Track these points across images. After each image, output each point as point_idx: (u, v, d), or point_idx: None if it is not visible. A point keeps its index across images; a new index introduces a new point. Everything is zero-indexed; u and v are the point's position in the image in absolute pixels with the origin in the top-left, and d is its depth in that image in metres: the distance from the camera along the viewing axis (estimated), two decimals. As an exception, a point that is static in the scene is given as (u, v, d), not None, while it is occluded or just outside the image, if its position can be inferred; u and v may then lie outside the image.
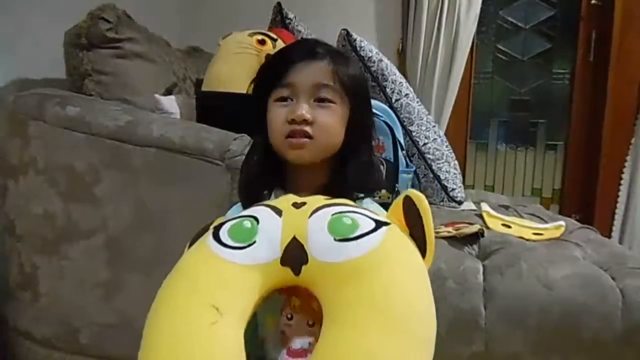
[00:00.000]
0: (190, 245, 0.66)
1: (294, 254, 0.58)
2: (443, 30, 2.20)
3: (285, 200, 0.63)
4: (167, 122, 1.18)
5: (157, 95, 1.40)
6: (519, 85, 2.50)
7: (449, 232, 1.25)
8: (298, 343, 0.62)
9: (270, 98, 0.75)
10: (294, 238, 0.58)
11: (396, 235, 0.59)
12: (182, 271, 0.61)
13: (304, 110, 0.72)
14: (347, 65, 0.76)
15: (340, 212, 0.59)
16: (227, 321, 0.56)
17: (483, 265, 1.14)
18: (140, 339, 0.58)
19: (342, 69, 0.75)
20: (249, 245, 0.59)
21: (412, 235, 0.61)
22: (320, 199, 0.62)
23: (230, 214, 0.77)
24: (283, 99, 0.74)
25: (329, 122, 0.73)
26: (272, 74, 0.76)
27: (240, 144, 1.10)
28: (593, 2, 2.33)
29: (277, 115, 0.74)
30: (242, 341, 0.57)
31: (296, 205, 0.61)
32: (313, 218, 0.59)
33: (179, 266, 0.62)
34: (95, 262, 1.16)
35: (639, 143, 2.28)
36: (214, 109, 1.36)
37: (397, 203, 0.61)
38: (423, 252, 0.60)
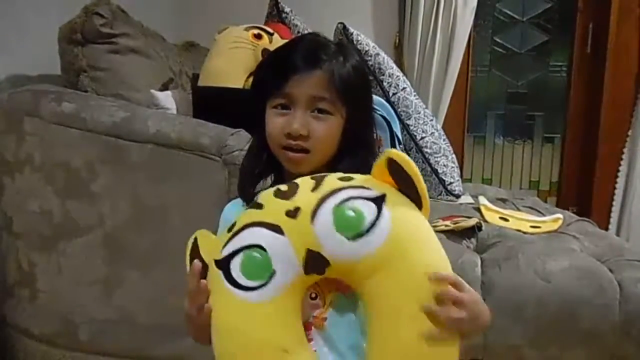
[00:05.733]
0: (191, 255, 0.64)
1: (315, 263, 0.59)
2: (440, 23, 2.20)
3: (276, 211, 0.61)
4: (164, 118, 1.18)
5: (153, 91, 1.39)
6: (516, 78, 2.50)
7: (446, 225, 1.25)
8: (303, 317, 0.63)
9: (268, 101, 0.74)
10: (309, 250, 0.59)
11: (398, 208, 0.61)
12: (232, 334, 0.61)
13: (300, 124, 0.72)
14: (344, 64, 0.74)
15: (339, 204, 0.59)
16: (297, 350, 0.60)
17: (481, 259, 1.15)
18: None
19: (340, 71, 0.73)
20: (271, 277, 0.59)
21: (404, 192, 0.62)
22: (308, 192, 0.61)
23: (228, 211, 0.78)
24: (281, 106, 0.74)
25: (326, 134, 0.73)
26: (270, 80, 0.74)
27: (237, 139, 1.09)
28: (590, -6, 2.33)
29: (274, 124, 0.73)
30: None
31: (290, 214, 0.60)
32: (316, 224, 0.59)
33: (222, 329, 0.62)
34: (93, 259, 1.15)
35: (636, 135, 2.28)
36: (211, 104, 1.35)
37: (380, 165, 0.62)
38: (419, 204, 0.62)
